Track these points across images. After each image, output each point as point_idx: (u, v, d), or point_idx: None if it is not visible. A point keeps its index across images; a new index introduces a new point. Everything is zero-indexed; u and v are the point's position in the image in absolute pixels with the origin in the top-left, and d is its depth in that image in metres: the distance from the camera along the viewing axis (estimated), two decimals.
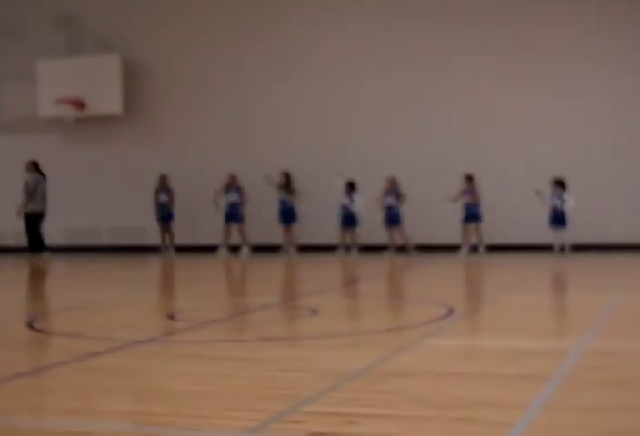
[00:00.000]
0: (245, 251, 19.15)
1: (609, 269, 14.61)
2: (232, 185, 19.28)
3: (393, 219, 18.26)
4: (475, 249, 17.98)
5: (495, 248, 17.98)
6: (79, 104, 20.74)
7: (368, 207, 18.39)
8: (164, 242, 19.91)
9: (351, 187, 18.65)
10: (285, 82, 19.98)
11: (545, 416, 4.34)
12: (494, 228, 18.35)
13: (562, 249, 17.50)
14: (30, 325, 7.97)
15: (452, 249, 18.11)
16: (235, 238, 19.31)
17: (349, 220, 18.70)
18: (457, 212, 18.07)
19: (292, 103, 20.01)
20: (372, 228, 18.75)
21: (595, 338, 6.84)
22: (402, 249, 18.20)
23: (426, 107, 19.15)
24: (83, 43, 21.29)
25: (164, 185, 19.81)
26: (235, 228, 19.27)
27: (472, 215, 18.10)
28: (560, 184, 17.52)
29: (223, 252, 19.14)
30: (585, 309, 8.96)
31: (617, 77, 18.15)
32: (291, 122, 20.03)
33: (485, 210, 18.06)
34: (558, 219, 17.56)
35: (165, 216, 19.85)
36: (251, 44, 20.23)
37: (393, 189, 18.24)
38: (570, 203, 17.39)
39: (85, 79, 20.77)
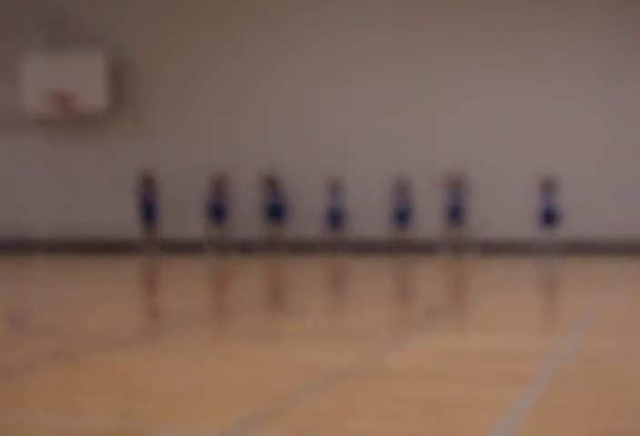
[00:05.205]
0: (229, 249, 19.17)
1: (596, 269, 14.64)
2: (221, 182, 19.31)
3: (405, 217, 18.21)
4: (459, 247, 17.93)
5: (484, 246, 17.97)
6: (64, 101, 20.62)
7: (360, 205, 18.36)
8: (148, 239, 19.84)
9: (336, 186, 18.60)
10: (273, 80, 19.93)
11: (529, 417, 4.35)
12: (483, 226, 18.35)
13: (551, 248, 17.48)
14: (14, 322, 7.93)
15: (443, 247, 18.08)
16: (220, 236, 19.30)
17: (335, 219, 18.69)
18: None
19: (279, 100, 19.95)
20: (360, 226, 18.73)
21: (582, 340, 6.85)
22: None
23: (414, 106, 19.11)
24: (69, 39, 21.15)
25: (149, 183, 19.72)
26: (220, 225, 19.29)
27: (455, 213, 18.07)
28: (550, 184, 17.53)
29: (212, 249, 19.21)
30: (573, 310, 8.98)
31: (614, 79, 18.16)
32: (278, 119, 19.97)
33: (475, 207, 18.06)
34: (549, 218, 17.55)
35: (149, 213, 19.76)
36: (238, 43, 20.15)
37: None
38: (557, 205, 17.44)
39: (70, 76, 20.61)
